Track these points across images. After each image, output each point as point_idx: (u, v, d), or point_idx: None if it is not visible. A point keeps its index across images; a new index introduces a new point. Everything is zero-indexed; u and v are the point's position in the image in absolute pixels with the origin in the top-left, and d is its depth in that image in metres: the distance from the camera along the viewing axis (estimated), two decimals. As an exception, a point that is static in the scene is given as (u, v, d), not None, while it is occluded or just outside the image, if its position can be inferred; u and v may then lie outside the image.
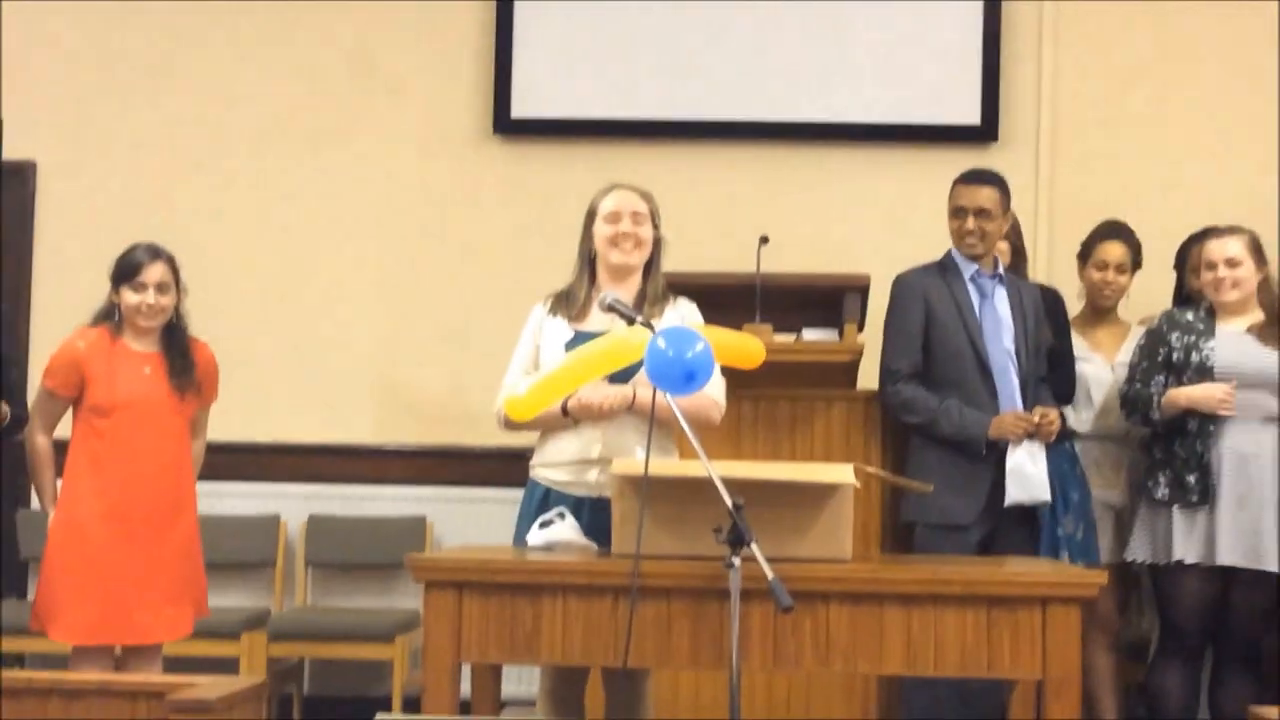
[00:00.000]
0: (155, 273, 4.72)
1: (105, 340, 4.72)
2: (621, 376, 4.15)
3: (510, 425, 4.29)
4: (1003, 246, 5.36)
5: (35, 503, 6.10)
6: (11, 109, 6.93)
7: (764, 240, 5.27)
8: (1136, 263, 5.76)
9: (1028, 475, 4.96)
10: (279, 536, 6.68)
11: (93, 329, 4.76)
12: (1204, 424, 5.05)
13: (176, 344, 4.77)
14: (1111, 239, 5.78)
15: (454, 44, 6.86)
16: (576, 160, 6.35)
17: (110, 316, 4.75)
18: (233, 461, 6.22)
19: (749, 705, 4.94)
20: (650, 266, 4.35)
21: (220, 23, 6.89)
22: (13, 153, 6.93)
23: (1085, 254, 5.86)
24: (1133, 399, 5.24)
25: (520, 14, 6.78)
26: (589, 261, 4.36)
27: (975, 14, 6.67)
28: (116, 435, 4.66)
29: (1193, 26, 6.68)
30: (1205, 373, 5.07)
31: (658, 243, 4.36)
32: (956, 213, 5.12)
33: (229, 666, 5.78)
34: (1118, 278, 5.75)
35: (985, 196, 5.09)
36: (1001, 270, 5.19)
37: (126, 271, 4.73)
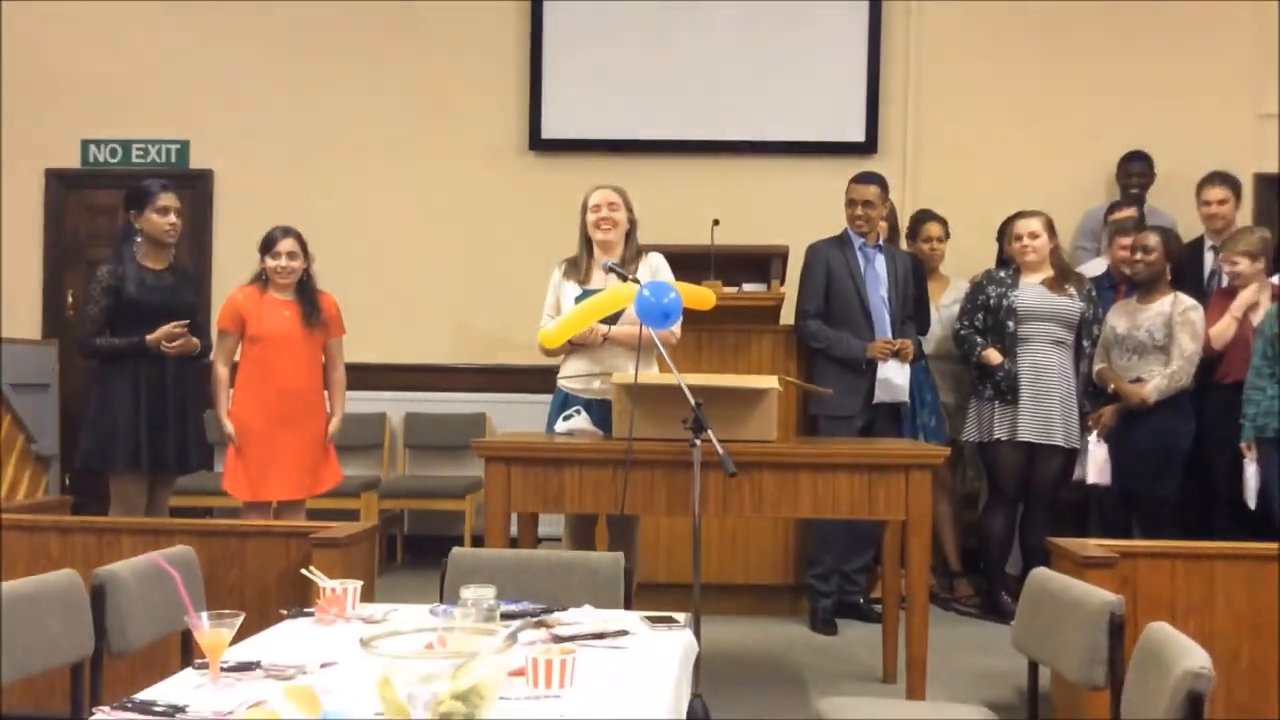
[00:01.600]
0: (286, 245, 4.69)
1: (256, 293, 4.70)
2: (618, 318, 4.16)
3: (545, 352, 4.31)
4: (883, 225, 5.36)
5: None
6: (196, 130, 6.89)
7: (716, 222, 5.27)
8: (948, 234, 5.78)
9: (893, 383, 4.97)
10: (385, 427, 6.70)
11: (248, 286, 4.75)
12: (1012, 348, 5.07)
13: (307, 295, 4.75)
14: (931, 220, 5.80)
15: (499, 83, 6.79)
16: (589, 168, 6.29)
17: (260, 278, 4.74)
18: (353, 376, 6.17)
19: (707, 542, 4.99)
20: (629, 238, 4.36)
21: (341, 67, 6.83)
22: (197, 163, 6.90)
23: (912, 232, 5.87)
24: (960, 340, 5.26)
25: (548, 60, 6.72)
26: (586, 239, 4.36)
27: (861, 65, 6.62)
28: (266, 358, 4.65)
29: (1016, 76, 6.64)
30: (1011, 313, 5.09)
31: (633, 222, 4.36)
32: (850, 203, 5.11)
33: (352, 516, 5.80)
34: (940, 245, 5.76)
35: (870, 192, 5.07)
36: (881, 242, 5.18)
37: (267, 245, 4.71)
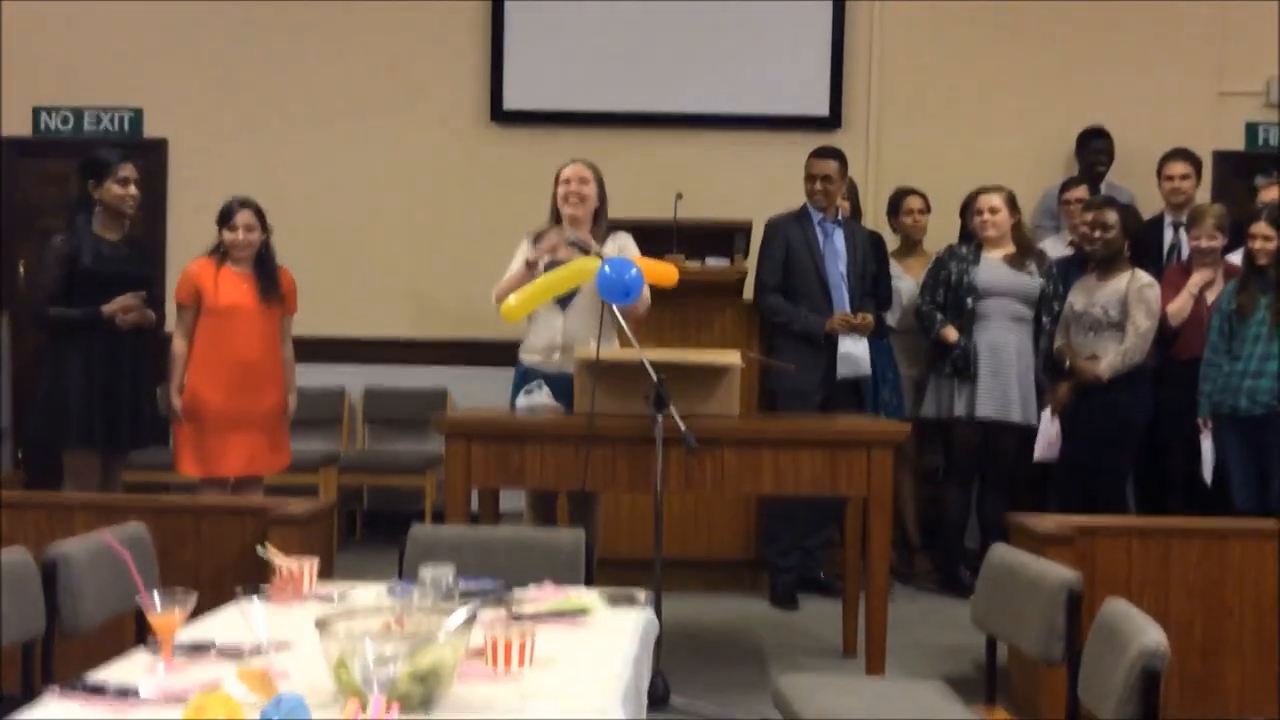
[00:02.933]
0: (244, 217, 4.62)
1: (212, 266, 4.63)
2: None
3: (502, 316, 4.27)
4: (844, 204, 5.35)
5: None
6: (150, 98, 6.77)
7: (679, 196, 5.23)
8: (928, 208, 5.79)
9: (853, 357, 4.98)
10: (344, 402, 6.64)
11: (204, 258, 4.68)
12: (970, 325, 5.09)
13: (265, 267, 4.69)
14: (911, 194, 5.81)
15: (460, 55, 6.70)
16: (551, 141, 6.25)
17: (218, 250, 4.68)
18: (312, 350, 6.14)
19: (668, 518, 4.98)
20: (598, 215, 4.33)
21: (300, 36, 6.71)
22: (151, 132, 6.78)
23: (893, 208, 5.87)
24: (920, 316, 5.27)
25: (510, 31, 6.63)
26: (556, 212, 4.33)
27: (825, 39, 6.59)
28: (223, 331, 4.59)
29: (979, 53, 6.64)
30: (971, 290, 5.11)
31: (604, 199, 4.33)
32: (809, 178, 5.10)
33: (311, 491, 5.75)
34: (921, 218, 5.77)
35: (829, 167, 5.06)
36: (840, 218, 5.18)
37: (224, 217, 4.64)
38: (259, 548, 2.55)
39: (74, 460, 4.46)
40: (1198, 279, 5.02)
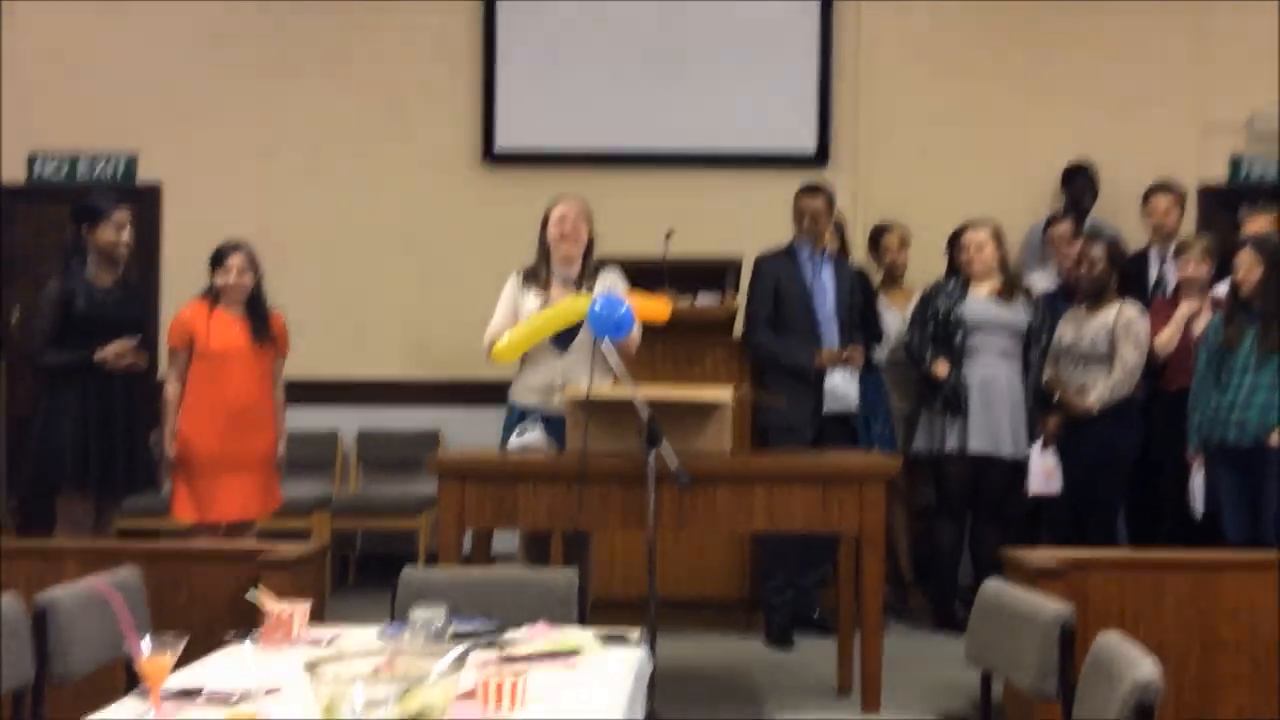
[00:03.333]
0: (236, 260, 4.64)
1: (205, 309, 4.65)
2: (574, 329, 4.14)
3: (494, 360, 4.27)
4: (833, 240, 5.38)
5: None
6: (145, 144, 6.80)
7: (669, 233, 5.24)
8: (907, 243, 5.80)
9: (840, 393, 4.98)
10: (337, 444, 6.62)
11: (196, 302, 4.69)
12: (960, 359, 5.09)
13: (257, 310, 4.71)
14: (889, 229, 5.84)
15: (452, 96, 6.74)
16: (543, 180, 6.24)
17: (210, 293, 4.68)
18: (305, 393, 6.14)
19: (662, 557, 4.96)
20: (587, 253, 4.35)
21: (293, 80, 6.74)
22: (145, 177, 6.81)
23: (873, 243, 5.90)
24: (910, 350, 5.28)
25: (500, 73, 6.68)
26: (545, 250, 4.35)
27: (812, 77, 6.65)
28: (215, 374, 4.59)
29: (964, 90, 6.69)
30: (959, 324, 5.12)
31: (592, 236, 4.35)
32: (797, 214, 5.13)
33: (303, 535, 5.72)
34: (901, 253, 5.79)
35: (816, 203, 5.09)
36: (828, 254, 5.20)
37: (217, 260, 4.66)
38: (250, 592, 2.54)
39: (67, 505, 4.44)
40: (1185, 309, 5.04)
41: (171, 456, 4.57)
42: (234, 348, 4.61)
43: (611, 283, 4.32)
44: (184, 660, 2.09)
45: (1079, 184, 6.26)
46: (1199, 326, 4.97)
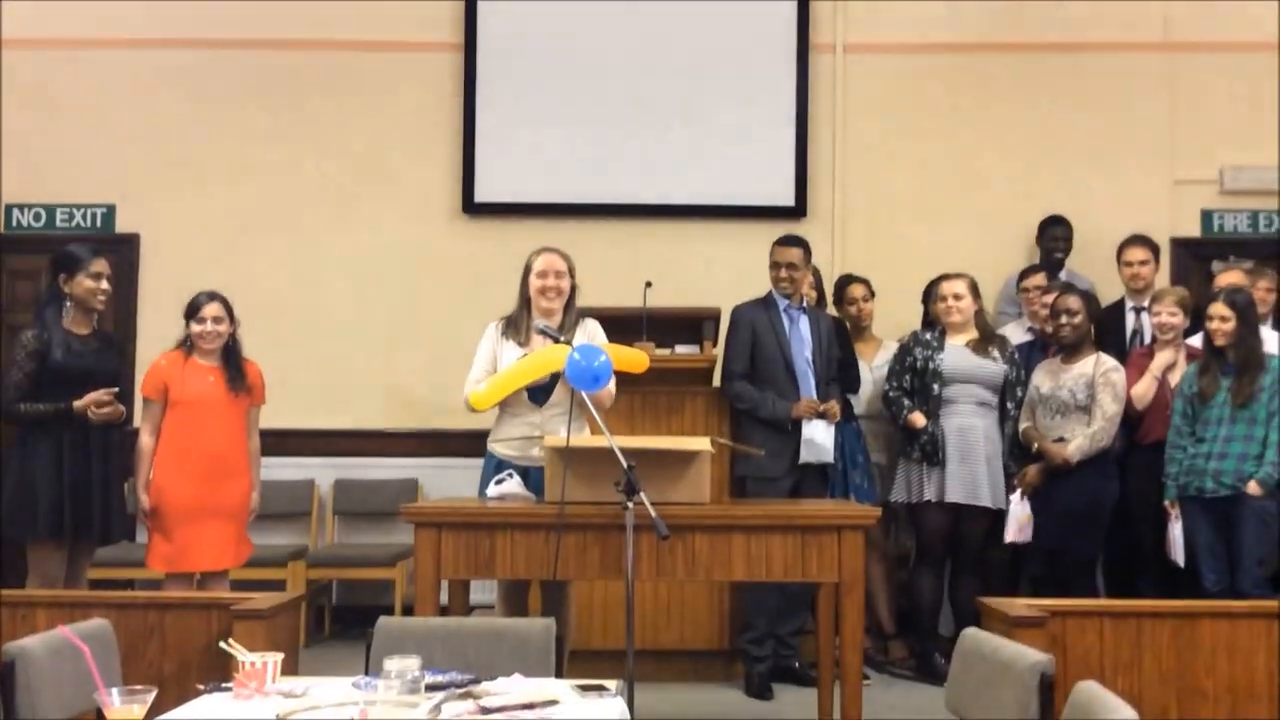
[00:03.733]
0: (212, 310, 4.64)
1: (180, 359, 4.65)
2: (552, 380, 4.14)
3: (473, 409, 4.27)
4: (811, 293, 5.41)
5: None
6: (122, 194, 6.80)
7: (648, 284, 5.28)
8: (872, 294, 5.84)
9: (817, 444, 4.98)
10: (314, 494, 6.57)
11: (171, 352, 4.69)
12: (936, 410, 5.11)
13: (232, 360, 4.70)
14: (854, 282, 5.86)
15: (433, 150, 6.79)
16: (522, 231, 6.30)
17: (185, 343, 4.68)
18: (281, 443, 6.10)
19: (640, 607, 4.94)
20: (569, 303, 4.35)
21: (273, 130, 6.78)
22: (123, 227, 6.80)
23: (838, 296, 5.92)
24: (888, 402, 5.29)
25: (480, 124, 6.73)
26: (526, 300, 4.35)
27: (790, 130, 6.72)
28: (189, 424, 4.58)
29: (940, 144, 6.78)
30: (936, 375, 5.14)
31: (573, 287, 4.36)
32: (774, 265, 5.15)
33: (279, 586, 5.66)
34: (866, 305, 5.82)
35: (793, 254, 5.12)
36: (805, 304, 5.22)
37: (192, 310, 4.66)
38: (223, 643, 2.51)
39: (39, 555, 4.39)
40: (1161, 361, 5.08)
41: (146, 507, 4.53)
42: (209, 398, 4.60)
43: (592, 334, 4.32)
44: (155, 711, 2.06)
45: (1053, 235, 6.33)
46: (1175, 378, 5.00)
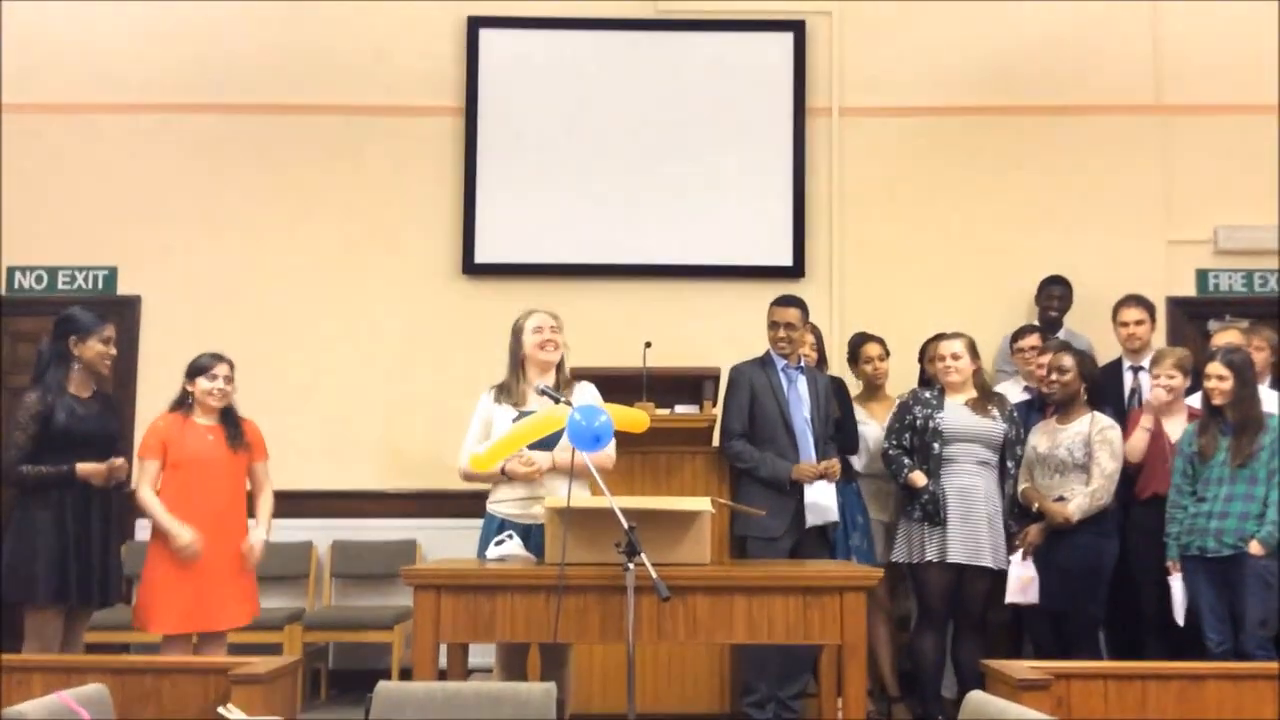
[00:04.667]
0: (222, 369, 4.68)
1: (179, 419, 4.66)
2: (552, 440, 4.14)
3: (469, 477, 4.27)
4: (811, 355, 5.43)
5: (139, 534, 5.95)
6: (123, 257, 6.84)
7: (648, 345, 5.30)
8: (888, 353, 5.86)
9: (821, 506, 4.98)
10: (311, 556, 6.53)
11: (169, 414, 4.70)
12: (937, 469, 5.10)
13: (231, 418, 4.72)
14: (869, 341, 5.88)
15: (433, 212, 6.84)
16: (523, 292, 6.30)
17: (183, 403, 4.69)
18: (279, 504, 6.04)
19: (641, 669, 4.90)
20: (560, 363, 4.38)
21: (274, 192, 6.84)
22: (125, 289, 6.83)
23: (853, 355, 5.95)
24: (888, 461, 5.28)
25: (481, 185, 6.79)
26: (518, 362, 4.37)
27: (787, 191, 6.78)
28: (189, 484, 4.57)
29: (937, 205, 6.84)
30: (937, 434, 5.13)
31: (564, 347, 4.40)
32: (772, 325, 5.18)
33: (275, 650, 5.62)
34: (881, 365, 5.83)
35: (791, 314, 5.15)
36: (804, 364, 5.24)
37: (202, 368, 4.67)
38: (221, 709, 2.49)
39: (37, 619, 4.36)
40: (1150, 412, 5.09)
41: (189, 539, 4.48)
42: (209, 456, 4.61)
43: (589, 396, 4.34)
44: (152, 778, 2.04)
45: (1050, 294, 6.36)
46: (1175, 433, 5.01)
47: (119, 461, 4.48)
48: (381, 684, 2.88)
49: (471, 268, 6.79)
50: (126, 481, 4.60)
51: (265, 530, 4.73)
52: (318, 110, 6.88)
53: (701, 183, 6.79)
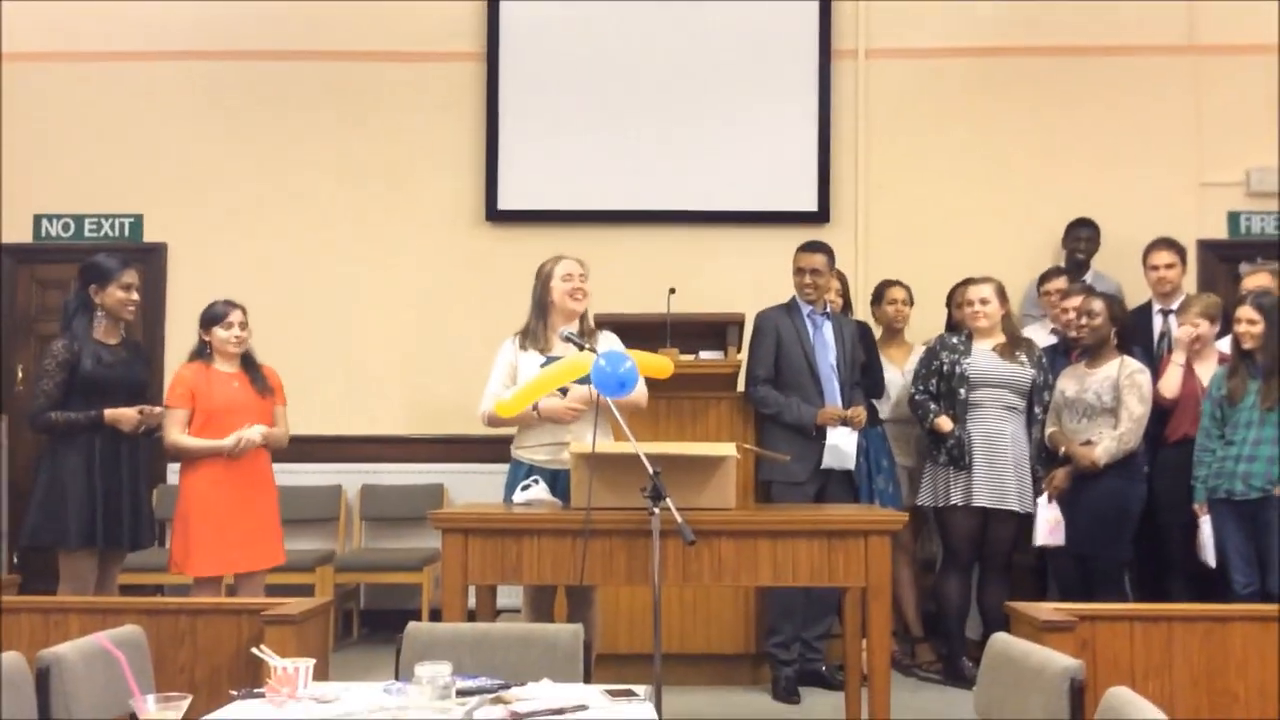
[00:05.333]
0: (236, 316, 4.68)
1: (202, 368, 4.67)
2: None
3: (492, 421, 4.27)
4: (836, 301, 5.41)
5: (170, 478, 6.02)
6: (150, 204, 6.86)
7: (672, 291, 5.28)
8: (911, 300, 5.83)
9: (840, 450, 4.97)
10: (341, 500, 6.61)
11: (191, 363, 4.71)
12: (963, 414, 5.09)
13: (251, 364, 4.74)
14: (894, 285, 5.85)
15: (456, 159, 6.82)
16: (546, 238, 6.30)
17: (202, 353, 4.70)
18: (309, 449, 6.14)
19: (667, 611, 4.94)
20: (585, 311, 4.38)
21: (297, 140, 6.84)
22: (150, 237, 6.86)
23: (877, 297, 5.92)
24: (914, 406, 5.28)
25: (504, 132, 6.76)
26: (541, 307, 4.36)
27: (812, 135, 6.72)
28: (220, 431, 4.60)
29: (964, 148, 6.76)
30: (963, 380, 5.12)
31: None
32: (798, 271, 5.15)
33: (307, 591, 5.69)
34: (903, 309, 5.80)
35: (817, 260, 5.12)
36: (829, 310, 5.22)
37: (215, 318, 4.68)
38: (255, 649, 2.52)
39: (71, 562, 4.42)
40: (1180, 348, 5.05)
41: (235, 440, 4.54)
42: (238, 403, 4.63)
43: (611, 344, 4.33)
44: (188, 716, 2.08)
45: (1077, 236, 6.30)
46: (1205, 374, 4.97)
47: (152, 408, 4.50)
48: (412, 625, 2.91)
49: (495, 214, 6.77)
50: (158, 427, 4.61)
51: (260, 434, 4.68)
52: (340, 57, 6.85)
53: (726, 127, 6.74)
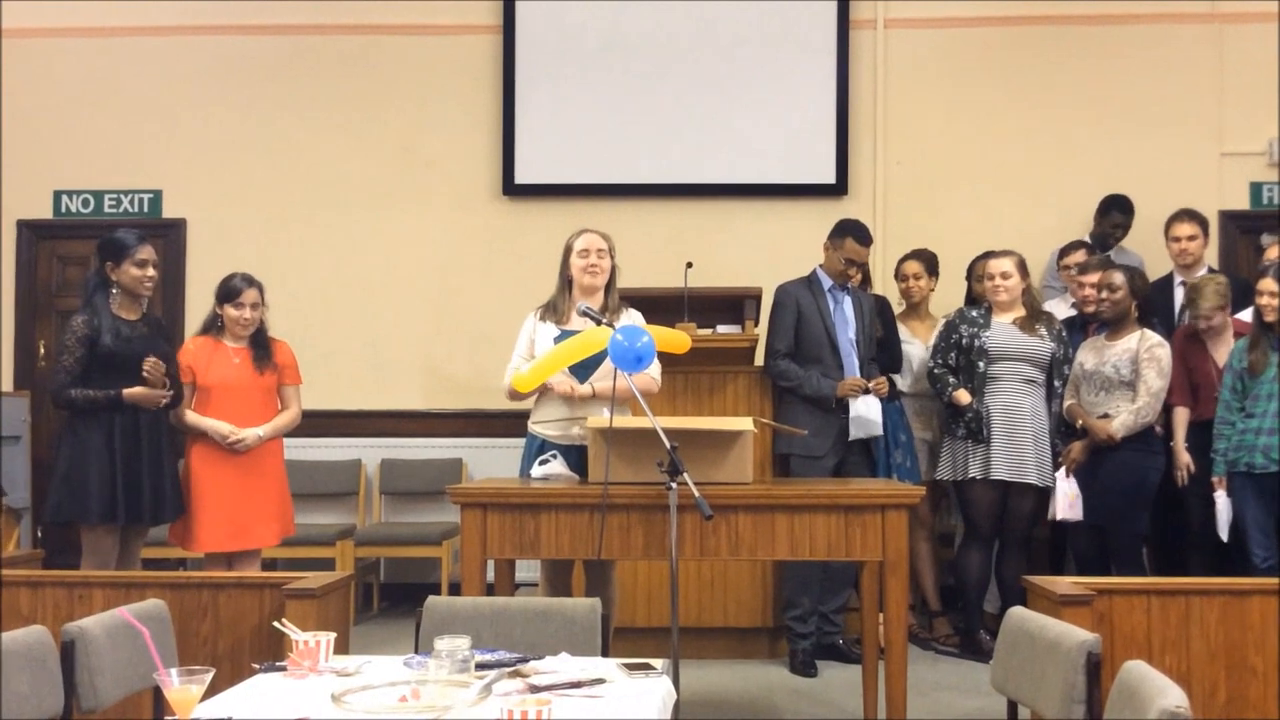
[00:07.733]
0: (250, 296, 4.69)
1: (208, 343, 4.70)
2: (594, 361, 4.15)
3: (514, 396, 4.28)
4: (856, 274, 5.39)
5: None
6: (169, 180, 6.88)
7: (689, 265, 5.27)
8: (934, 273, 5.79)
9: (866, 419, 4.98)
10: (360, 474, 6.65)
11: (199, 337, 4.74)
12: (982, 388, 5.08)
13: (260, 341, 4.75)
14: (910, 259, 5.81)
15: (473, 132, 6.82)
16: (563, 212, 6.34)
17: (214, 325, 4.72)
18: (328, 424, 6.19)
19: (684, 585, 4.96)
20: (610, 285, 4.36)
21: (315, 114, 6.84)
22: (170, 213, 6.88)
23: (896, 271, 5.89)
24: (933, 379, 5.27)
25: (520, 105, 6.75)
26: (566, 281, 4.36)
27: (830, 108, 6.69)
28: (218, 407, 4.64)
29: (983, 120, 6.72)
30: (982, 353, 5.11)
31: (614, 269, 4.36)
32: (846, 260, 5.09)
33: (328, 565, 5.74)
34: (917, 283, 5.77)
35: (866, 254, 5.16)
36: (849, 284, 5.21)
37: (230, 294, 4.69)
38: (276, 623, 2.55)
39: (93, 537, 4.46)
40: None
41: (229, 433, 4.59)
42: (232, 381, 4.66)
43: (633, 319, 4.32)
44: (210, 690, 2.10)
45: (1114, 222, 6.17)
46: (1222, 355, 4.94)
47: (157, 361, 4.49)
48: (431, 599, 2.93)
49: (512, 188, 6.77)
50: (176, 399, 4.63)
51: (261, 432, 4.71)
52: (357, 31, 6.85)
53: (743, 99, 6.71)
